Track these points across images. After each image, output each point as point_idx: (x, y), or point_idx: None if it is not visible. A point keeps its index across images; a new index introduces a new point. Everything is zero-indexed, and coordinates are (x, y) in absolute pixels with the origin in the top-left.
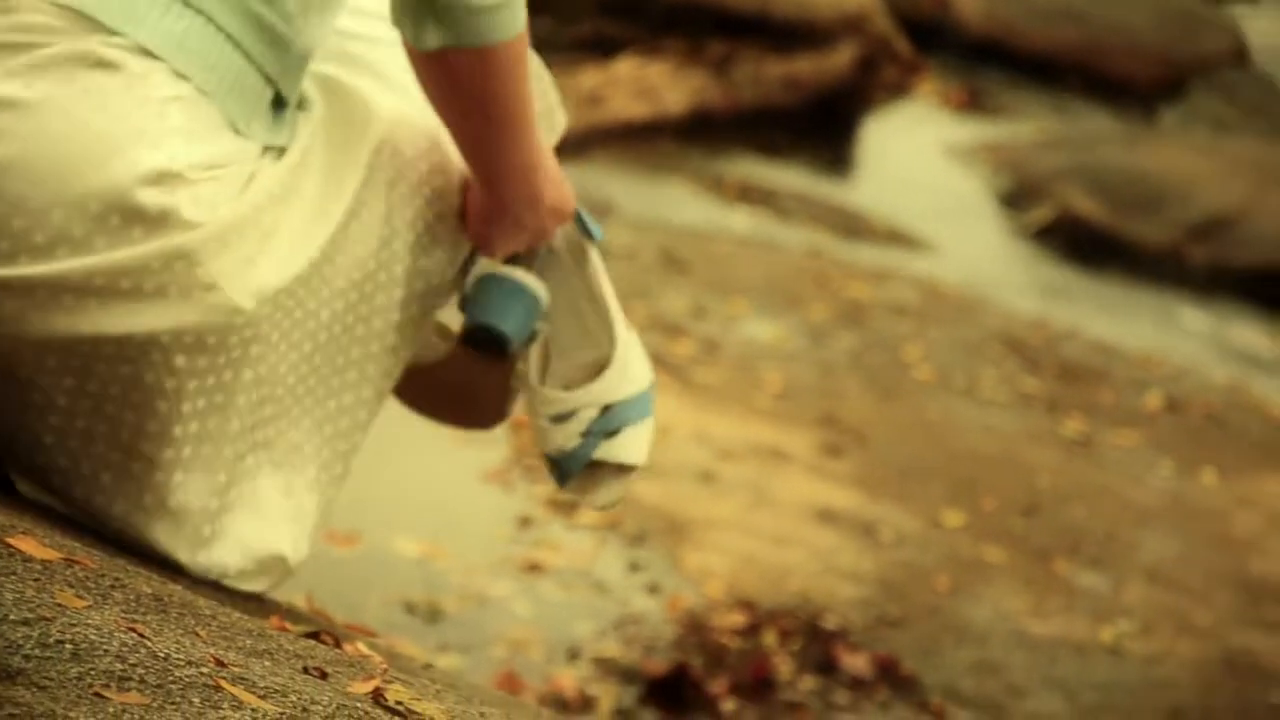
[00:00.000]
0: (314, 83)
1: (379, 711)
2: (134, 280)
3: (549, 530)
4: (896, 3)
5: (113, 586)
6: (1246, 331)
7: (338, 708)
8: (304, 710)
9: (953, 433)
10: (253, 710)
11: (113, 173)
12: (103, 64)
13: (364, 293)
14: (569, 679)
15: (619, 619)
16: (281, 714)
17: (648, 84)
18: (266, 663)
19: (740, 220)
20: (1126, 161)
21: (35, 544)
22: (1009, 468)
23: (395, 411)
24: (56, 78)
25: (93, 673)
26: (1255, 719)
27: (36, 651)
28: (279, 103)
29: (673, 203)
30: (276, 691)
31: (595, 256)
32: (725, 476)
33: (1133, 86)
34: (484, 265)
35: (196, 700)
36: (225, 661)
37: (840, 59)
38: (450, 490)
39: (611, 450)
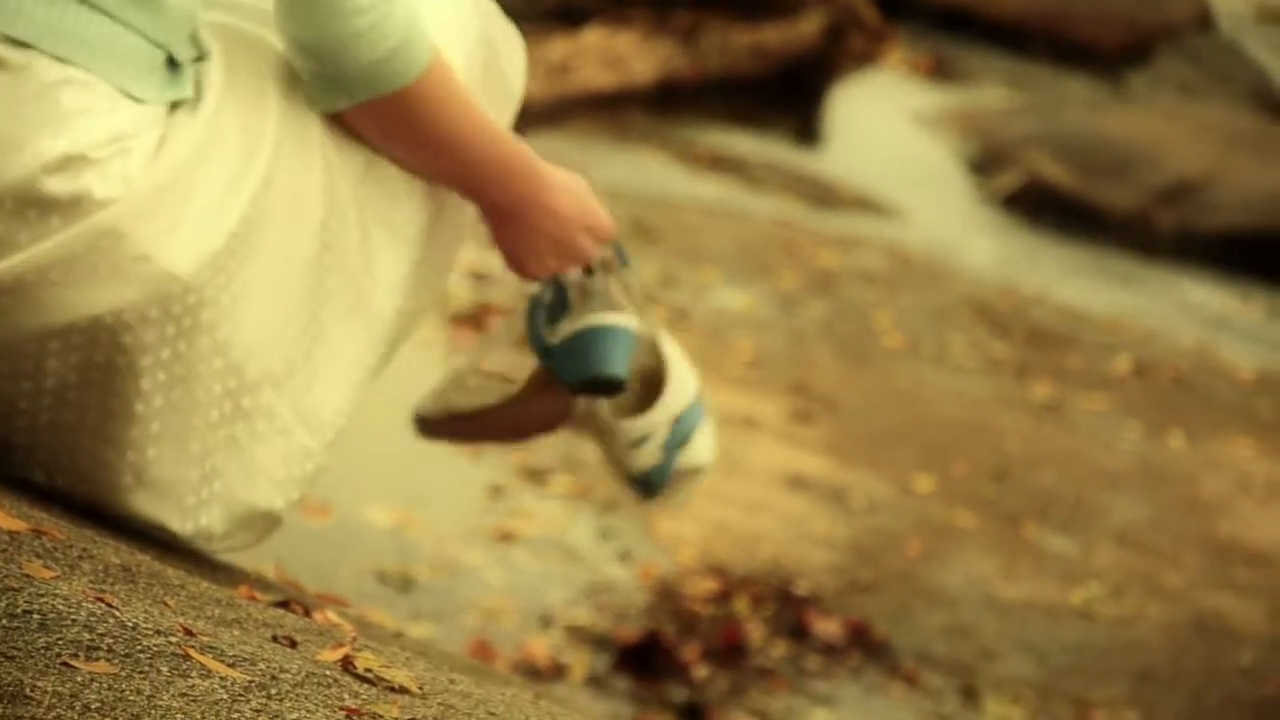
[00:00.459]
0: (208, 32)
1: (348, 679)
2: (64, 270)
3: (520, 499)
4: None
5: (80, 557)
6: (1214, 295)
7: (307, 676)
8: (273, 678)
9: (922, 399)
10: (221, 679)
11: (17, 168)
12: None
13: (323, 243)
14: (541, 647)
15: (591, 587)
16: (250, 682)
17: (615, 54)
18: (235, 631)
19: (709, 189)
20: (1093, 127)
21: (2, 515)
22: (979, 433)
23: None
24: None
25: (60, 642)
26: (1225, 681)
27: (3, 622)
28: (173, 62)
29: (642, 172)
30: (245, 660)
31: (631, 276)
32: None
33: (1099, 53)
34: (576, 322)
35: (165, 669)
36: (194, 630)
37: (808, 28)
38: (422, 460)
39: (688, 457)
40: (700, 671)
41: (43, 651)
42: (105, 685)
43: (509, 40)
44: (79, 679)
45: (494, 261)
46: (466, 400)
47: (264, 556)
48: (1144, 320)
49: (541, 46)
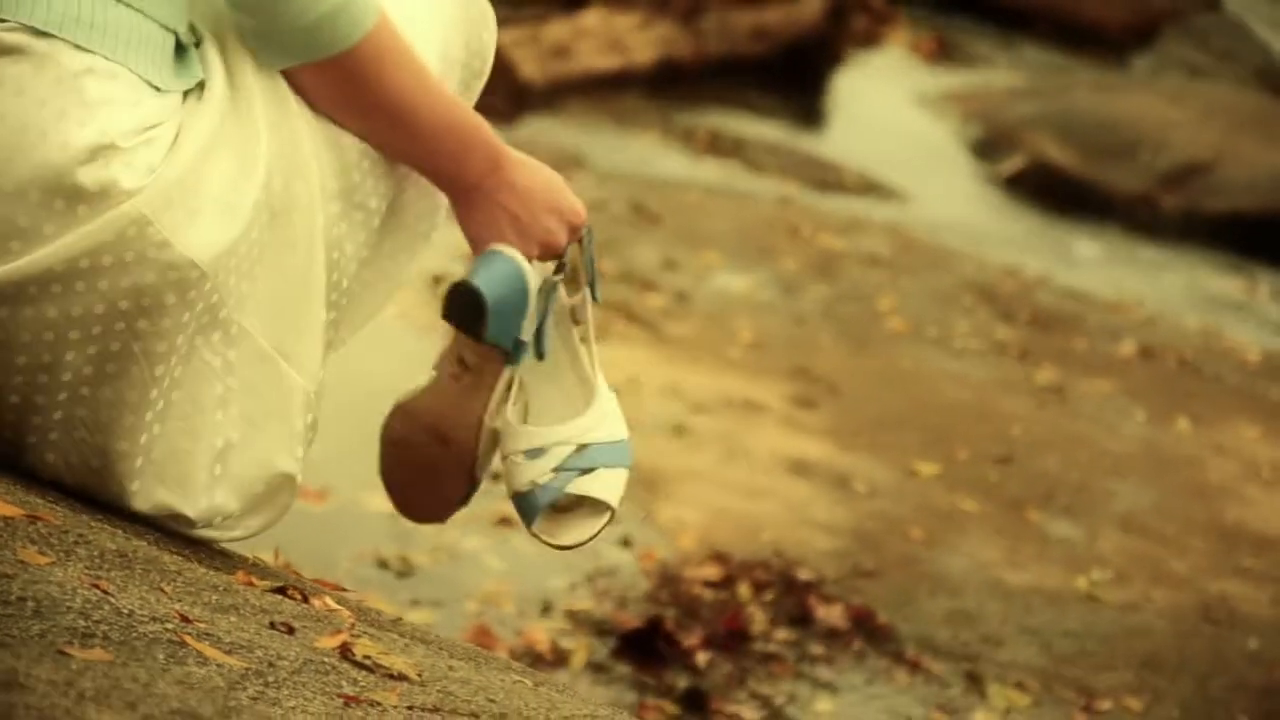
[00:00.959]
0: (198, 15)
1: (346, 666)
2: (92, 258)
3: None
4: None
5: (76, 543)
6: (1220, 278)
7: (304, 662)
8: (270, 665)
9: (925, 383)
10: (218, 665)
11: (46, 158)
12: (6, 51)
13: (312, 218)
14: (542, 633)
15: (592, 572)
16: (247, 669)
17: (615, 36)
18: (232, 618)
19: (710, 171)
20: (1098, 109)
21: None
22: (982, 417)
23: (364, 366)
24: None
25: (55, 629)
26: (1231, 667)
27: None
28: (179, 47)
29: (642, 155)
30: (242, 647)
31: (590, 315)
32: (698, 429)
33: (1104, 33)
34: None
35: (161, 656)
36: (190, 617)
37: (810, 9)
38: None
39: (584, 485)
40: (702, 657)
41: (38, 639)
42: (101, 672)
43: (481, 13)
44: (74, 666)
45: None
46: (406, 390)
47: (262, 542)
48: (1149, 303)
49: (541, 29)
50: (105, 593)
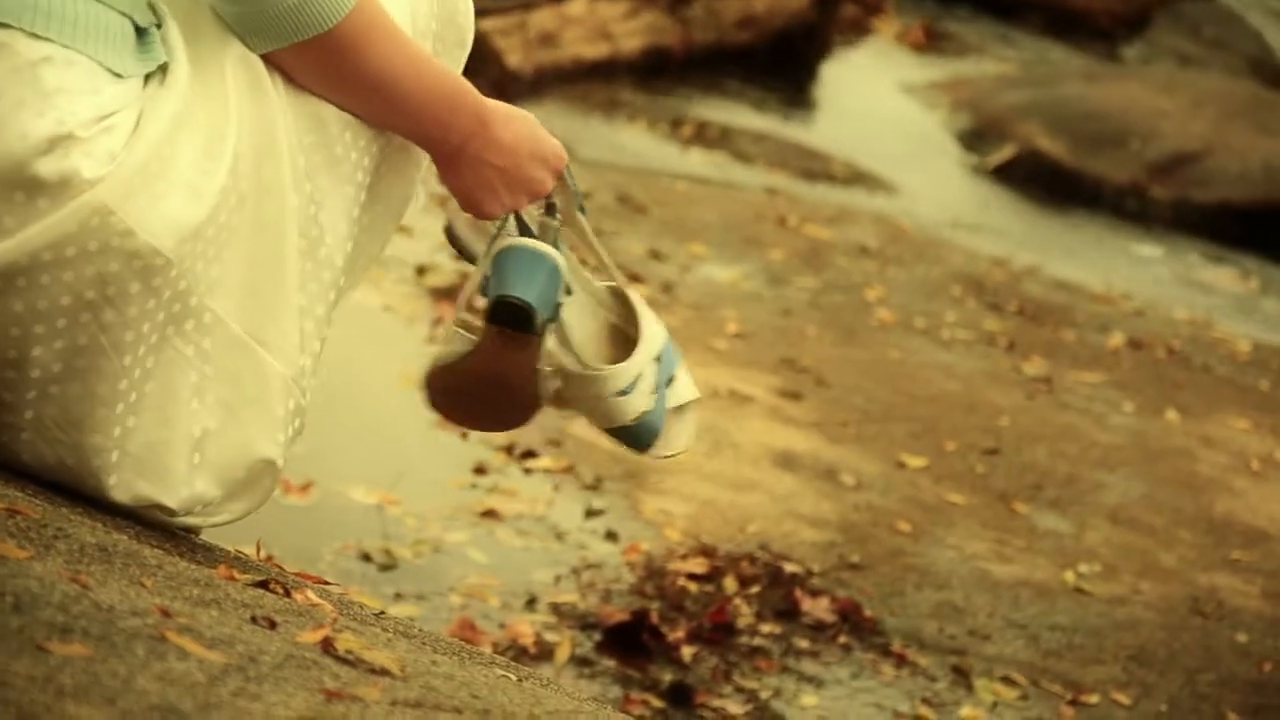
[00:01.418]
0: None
1: (328, 660)
2: (55, 251)
3: (505, 476)
4: None
5: (55, 537)
6: (1210, 269)
7: (286, 657)
8: (251, 660)
9: (914, 374)
10: (199, 660)
11: (4, 149)
12: None
13: (286, 197)
14: (526, 626)
15: (577, 565)
16: (229, 664)
17: (602, 24)
18: (213, 612)
19: (697, 161)
20: (1088, 98)
21: None
22: (970, 409)
23: (349, 357)
24: None
25: (34, 624)
26: (1221, 659)
27: None
28: (140, 32)
29: (629, 144)
30: (223, 642)
31: (584, 221)
32: None
33: (1094, 22)
34: (500, 242)
35: (141, 651)
36: (171, 612)
37: None
38: (405, 437)
39: (676, 395)
40: (687, 651)
41: (16, 633)
42: (80, 668)
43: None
44: (53, 662)
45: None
46: (446, 352)
47: (244, 535)
48: (1139, 294)
49: (528, 17)
50: (85, 587)
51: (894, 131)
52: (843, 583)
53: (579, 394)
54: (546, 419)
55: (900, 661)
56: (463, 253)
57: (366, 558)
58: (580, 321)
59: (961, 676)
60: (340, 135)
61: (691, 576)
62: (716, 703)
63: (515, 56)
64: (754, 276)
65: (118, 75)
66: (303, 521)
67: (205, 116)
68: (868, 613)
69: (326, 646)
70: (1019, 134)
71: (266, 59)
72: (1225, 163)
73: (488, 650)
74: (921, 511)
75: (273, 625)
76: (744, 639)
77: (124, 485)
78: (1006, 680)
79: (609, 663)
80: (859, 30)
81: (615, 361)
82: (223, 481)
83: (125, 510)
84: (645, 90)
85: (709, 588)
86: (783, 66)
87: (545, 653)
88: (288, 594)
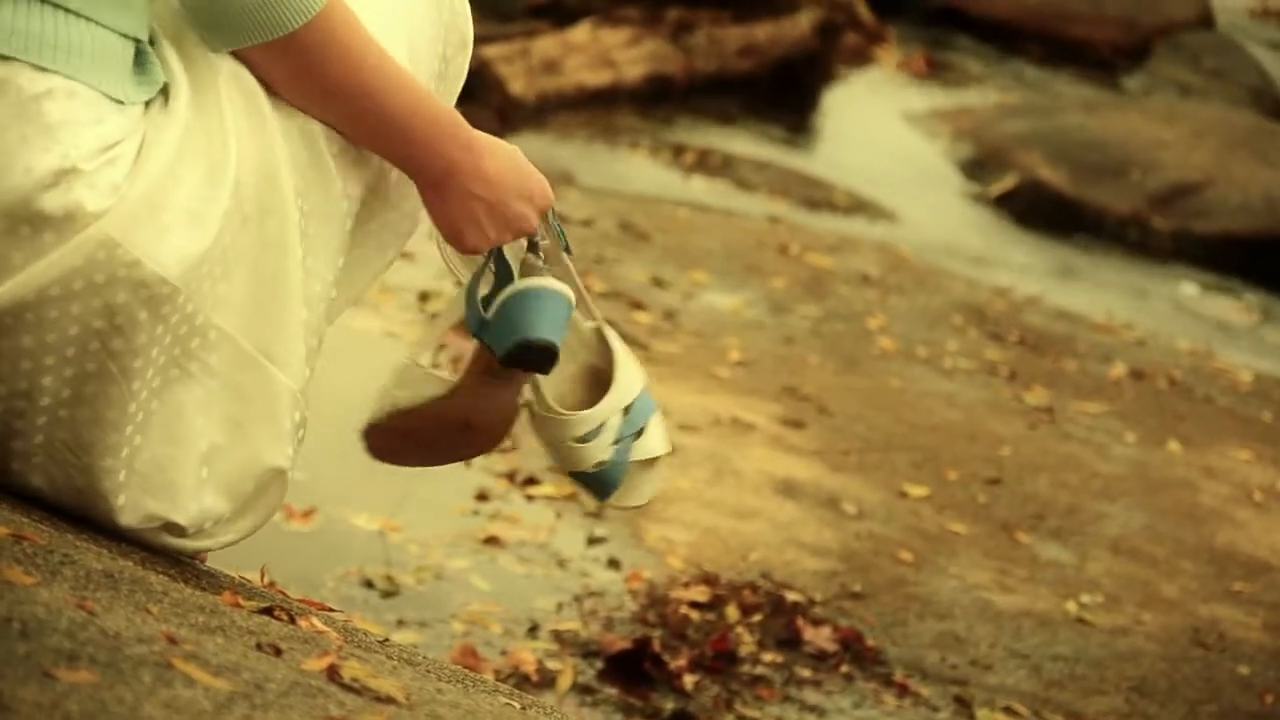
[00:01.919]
0: (153, 16)
1: (334, 688)
2: (63, 285)
3: (506, 503)
4: None
5: (62, 563)
6: (1211, 299)
7: (292, 685)
8: (257, 688)
9: (915, 403)
10: (205, 688)
11: (9, 185)
12: None
13: (285, 217)
14: (528, 654)
15: (579, 593)
16: (235, 692)
17: (605, 52)
18: (219, 639)
19: (699, 189)
20: (1089, 128)
21: None
22: (972, 438)
23: (350, 383)
24: None
25: (41, 651)
26: (1222, 692)
27: None
28: (139, 54)
29: (631, 171)
30: (229, 669)
31: (569, 262)
32: (686, 448)
33: (1095, 52)
34: (515, 285)
35: (148, 678)
36: (177, 639)
37: (799, 26)
38: None
39: (643, 448)
40: (689, 679)
41: (23, 660)
42: (86, 694)
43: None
44: (60, 688)
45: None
46: (410, 395)
47: (247, 561)
48: (1140, 325)
49: (531, 44)
50: (91, 613)
51: (896, 160)
52: (845, 612)
53: (541, 433)
54: None
55: (902, 691)
56: (453, 270)
57: (369, 584)
58: (564, 355)
59: (963, 706)
60: (328, 149)
61: (693, 605)
62: None
63: (518, 83)
64: (756, 304)
65: (119, 102)
66: (305, 548)
67: (205, 141)
68: (870, 642)
69: (332, 674)
70: (1020, 164)
71: (255, 74)
72: (1226, 193)
73: (490, 678)
74: (923, 541)
75: (278, 652)
76: (746, 668)
77: (132, 505)
78: (1008, 711)
79: (611, 691)
80: (861, 59)
81: (588, 405)
82: (232, 495)
83: (132, 536)
84: (647, 118)
85: (711, 616)
86: (785, 95)
87: (547, 681)
88: (292, 621)
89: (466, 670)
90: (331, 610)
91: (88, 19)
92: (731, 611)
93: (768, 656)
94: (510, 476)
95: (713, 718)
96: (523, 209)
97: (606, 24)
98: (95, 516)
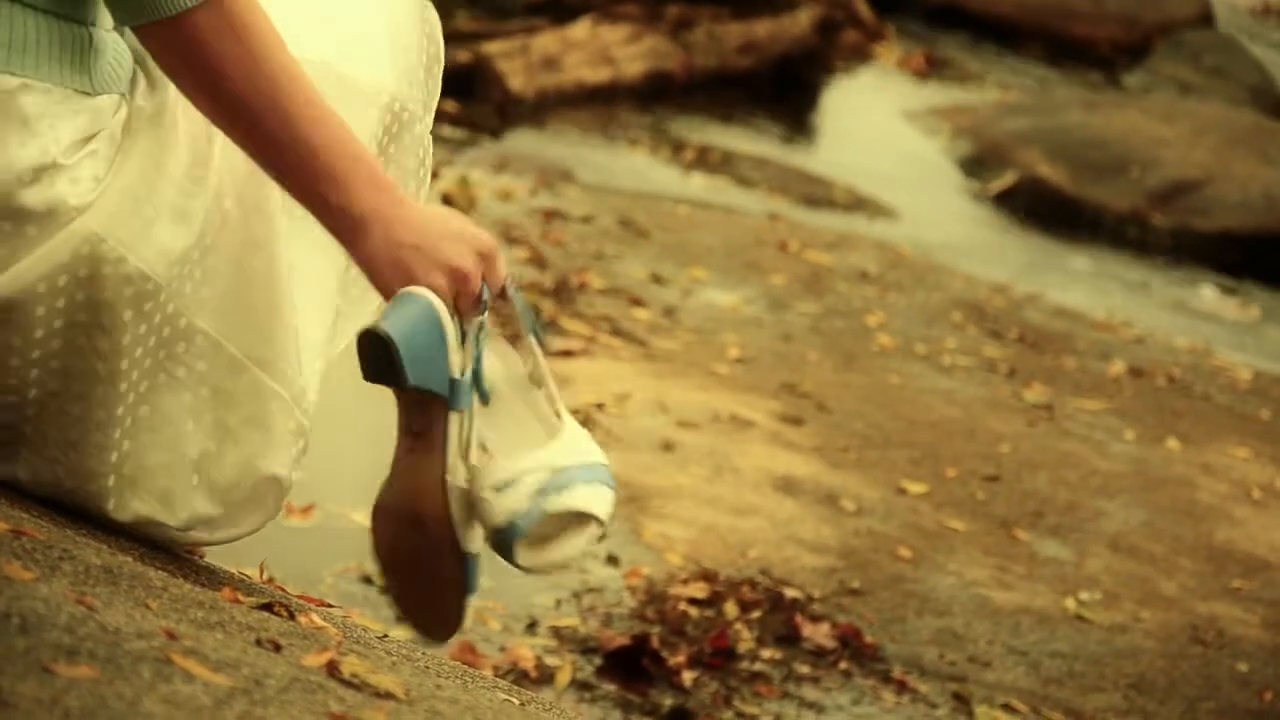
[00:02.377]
0: None
1: (333, 684)
2: (49, 282)
3: None
4: None
5: (61, 558)
6: (1211, 297)
7: (292, 681)
8: (257, 683)
9: (914, 400)
10: (205, 684)
11: None
12: None
13: (269, 219)
14: (527, 650)
15: (577, 589)
16: (234, 687)
17: (604, 48)
18: (219, 635)
19: (699, 186)
20: (1089, 126)
21: None
22: (971, 435)
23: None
24: None
25: (40, 646)
26: (1221, 689)
27: None
28: (103, 42)
29: (630, 168)
30: (229, 665)
31: (536, 348)
32: (685, 445)
33: (1095, 50)
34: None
35: (147, 674)
36: (177, 634)
37: (800, 23)
38: None
39: (565, 500)
40: (688, 676)
41: (22, 655)
42: (86, 690)
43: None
44: (59, 683)
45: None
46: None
47: (247, 557)
48: (1139, 322)
49: (530, 41)
50: (91, 609)
51: (895, 157)
52: (843, 608)
53: (470, 489)
54: None
55: (901, 688)
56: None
57: (368, 580)
58: (503, 436)
59: (962, 703)
60: None
61: (692, 601)
62: None
63: (518, 80)
64: (755, 301)
65: (92, 94)
66: (304, 543)
67: (187, 135)
68: (868, 639)
69: (332, 670)
70: (1020, 161)
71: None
72: (1226, 191)
73: (489, 674)
74: (922, 538)
75: (278, 648)
76: (745, 664)
77: (123, 507)
78: (1007, 708)
79: (609, 687)
80: (860, 56)
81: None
82: (225, 501)
83: (130, 529)
84: (647, 114)
85: (710, 612)
86: (784, 92)
87: (546, 677)
88: (292, 617)
89: (465, 666)
90: (331, 606)
91: (38, 9)
92: (730, 608)
93: (766, 653)
94: None
95: (711, 714)
96: (454, 248)
97: (606, 21)
98: (89, 513)
